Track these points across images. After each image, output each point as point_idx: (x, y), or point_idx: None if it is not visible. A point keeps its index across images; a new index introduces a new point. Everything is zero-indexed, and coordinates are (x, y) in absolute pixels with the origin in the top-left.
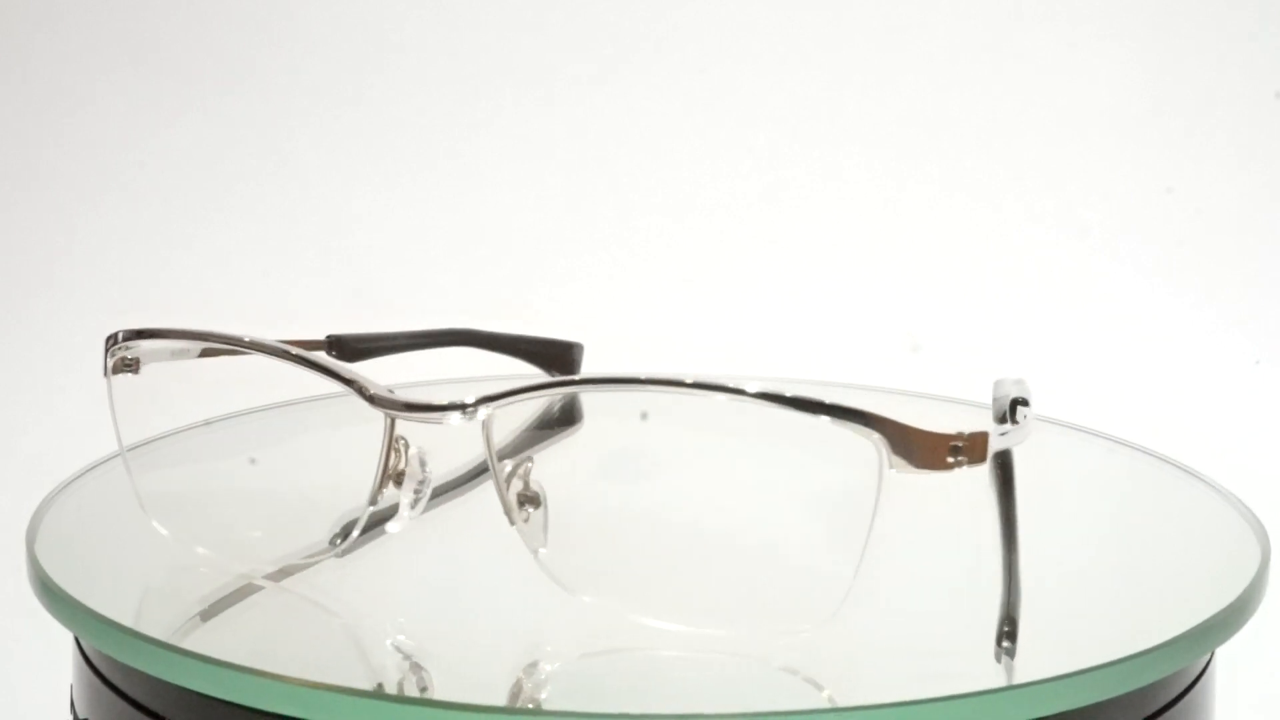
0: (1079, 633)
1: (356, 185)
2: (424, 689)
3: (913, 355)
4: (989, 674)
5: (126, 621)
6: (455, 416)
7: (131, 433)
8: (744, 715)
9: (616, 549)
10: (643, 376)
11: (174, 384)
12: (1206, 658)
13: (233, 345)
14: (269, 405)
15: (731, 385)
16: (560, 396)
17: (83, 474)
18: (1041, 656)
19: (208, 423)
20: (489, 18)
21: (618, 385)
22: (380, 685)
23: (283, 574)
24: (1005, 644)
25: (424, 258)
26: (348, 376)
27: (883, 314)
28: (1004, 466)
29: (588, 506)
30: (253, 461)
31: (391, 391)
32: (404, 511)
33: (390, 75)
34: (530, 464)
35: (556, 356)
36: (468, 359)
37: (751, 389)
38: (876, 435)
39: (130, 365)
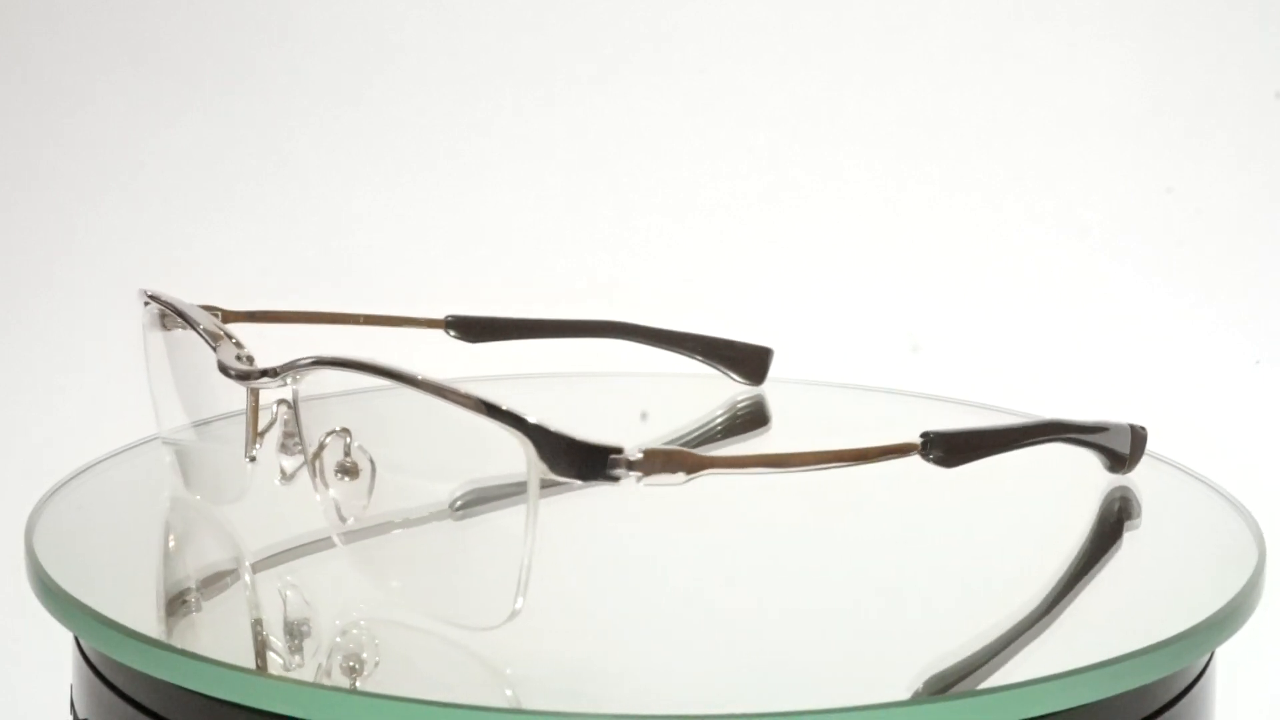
0: (1079, 633)
1: (356, 185)
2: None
3: (913, 355)
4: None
5: (126, 621)
6: (269, 382)
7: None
8: (745, 715)
9: (410, 533)
10: (378, 365)
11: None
12: (1206, 658)
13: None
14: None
15: (408, 375)
16: (747, 400)
17: (81, 473)
18: (1041, 656)
19: (205, 422)
20: (489, 18)
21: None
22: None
23: (276, 560)
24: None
25: (424, 257)
26: (212, 336)
27: (883, 314)
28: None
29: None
30: (252, 460)
31: (247, 361)
32: (284, 467)
33: (390, 75)
34: (349, 437)
35: (744, 359)
36: (627, 353)
37: (420, 377)
38: (524, 438)
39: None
